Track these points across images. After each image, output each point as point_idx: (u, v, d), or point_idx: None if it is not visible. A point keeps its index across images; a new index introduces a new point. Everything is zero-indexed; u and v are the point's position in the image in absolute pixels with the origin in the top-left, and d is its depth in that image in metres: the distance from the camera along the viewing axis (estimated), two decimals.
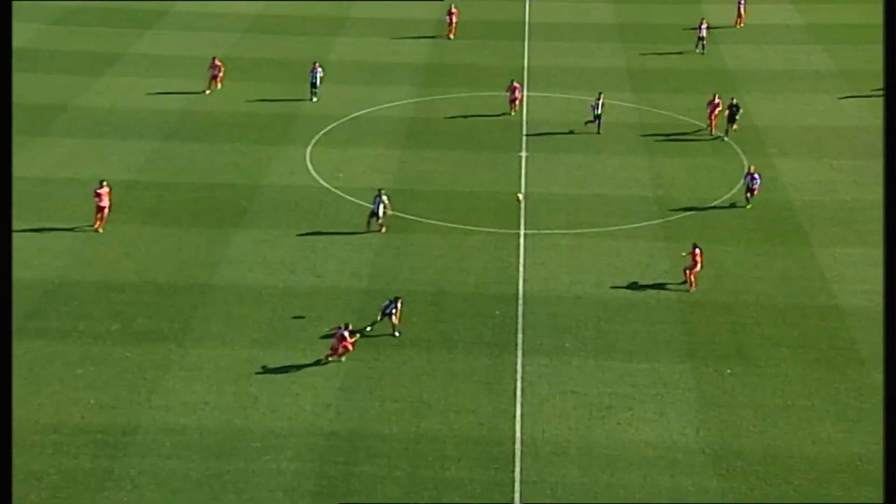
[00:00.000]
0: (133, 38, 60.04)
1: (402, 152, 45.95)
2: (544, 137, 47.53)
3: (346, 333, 31.00)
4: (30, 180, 41.94)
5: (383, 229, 38.47)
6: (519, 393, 30.19)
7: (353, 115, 49.95)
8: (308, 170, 44.16)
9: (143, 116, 49.08)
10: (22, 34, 58.91)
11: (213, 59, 52.40)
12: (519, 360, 31.60)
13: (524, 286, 35.50)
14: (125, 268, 36.20)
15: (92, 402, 29.43)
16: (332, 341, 31.23)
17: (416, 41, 60.60)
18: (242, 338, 32.44)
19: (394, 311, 32.42)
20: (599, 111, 47.38)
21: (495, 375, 30.91)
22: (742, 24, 62.88)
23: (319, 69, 50.52)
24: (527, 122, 49.21)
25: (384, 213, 38.44)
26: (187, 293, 34.87)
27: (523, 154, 45.87)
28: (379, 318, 32.66)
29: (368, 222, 38.57)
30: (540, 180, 43.15)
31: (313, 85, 50.31)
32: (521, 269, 36.62)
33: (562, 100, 52.13)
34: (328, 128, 48.44)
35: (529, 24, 63.80)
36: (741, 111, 46.84)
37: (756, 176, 40.05)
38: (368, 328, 32.56)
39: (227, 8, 65.94)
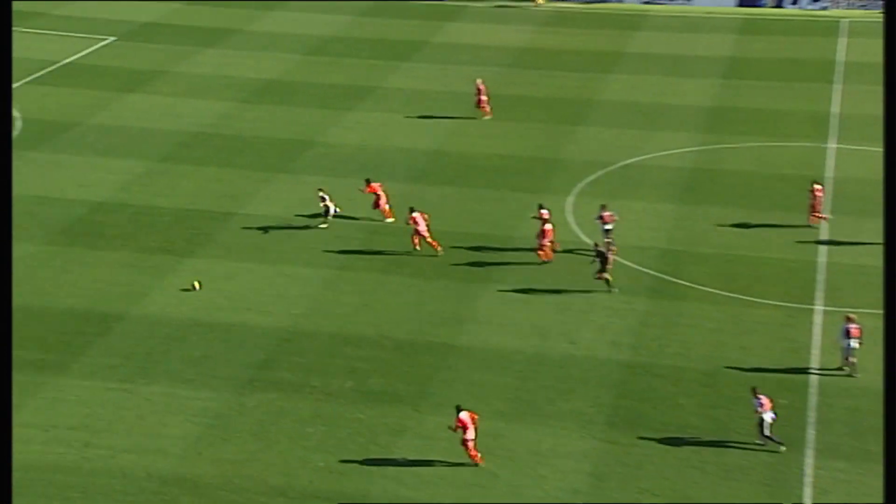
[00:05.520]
0: (387, 70, 62.33)
1: (678, 207, 44.87)
2: (853, 198, 45.10)
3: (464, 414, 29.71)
4: (271, 218, 44.07)
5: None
6: (807, 500, 28.51)
7: (623, 163, 49.35)
8: (567, 222, 43.86)
9: (392, 155, 50.62)
10: (277, 65, 62.66)
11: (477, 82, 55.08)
12: (808, 462, 29.89)
13: (818, 373, 33.61)
14: (363, 320, 37.07)
15: (321, 464, 30.09)
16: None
17: (700, 81, 59.39)
18: (485, 407, 32.28)
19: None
20: None
21: (777, 476, 29.32)
22: None
23: (327, 196, 43.63)
24: (834, 180, 46.89)
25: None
26: (427, 352, 35.22)
27: (825, 216, 43.70)
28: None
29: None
30: (845, 248, 40.88)
31: (327, 210, 43.62)
32: (814, 351, 34.77)
33: (877, 154, 49.30)
34: (593, 176, 48.06)
35: (843, 63, 61.04)
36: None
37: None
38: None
39: (490, 40, 67.34)
